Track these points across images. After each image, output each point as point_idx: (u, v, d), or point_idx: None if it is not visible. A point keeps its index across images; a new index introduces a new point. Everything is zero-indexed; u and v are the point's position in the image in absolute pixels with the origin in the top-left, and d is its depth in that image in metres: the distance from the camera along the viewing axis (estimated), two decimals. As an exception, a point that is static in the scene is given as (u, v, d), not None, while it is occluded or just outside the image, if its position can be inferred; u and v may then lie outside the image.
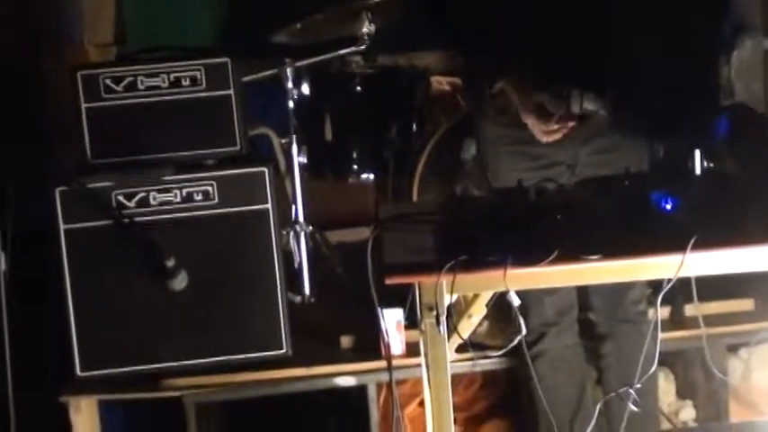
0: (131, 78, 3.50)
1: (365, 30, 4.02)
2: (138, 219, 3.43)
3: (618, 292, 3.39)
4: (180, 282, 3.42)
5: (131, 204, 3.46)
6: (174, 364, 3.49)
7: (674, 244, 2.49)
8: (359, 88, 4.06)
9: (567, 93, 3.03)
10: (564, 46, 3.03)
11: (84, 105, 3.49)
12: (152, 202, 3.47)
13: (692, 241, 2.46)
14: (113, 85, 3.50)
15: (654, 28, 3.00)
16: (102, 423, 3.66)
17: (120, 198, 3.46)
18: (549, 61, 3.07)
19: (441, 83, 4.35)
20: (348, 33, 4.06)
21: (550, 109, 3.08)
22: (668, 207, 2.61)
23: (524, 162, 3.23)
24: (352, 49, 4.03)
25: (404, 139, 4.08)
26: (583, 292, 3.45)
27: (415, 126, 4.11)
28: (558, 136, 3.14)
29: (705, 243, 2.49)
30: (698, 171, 2.81)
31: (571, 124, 3.10)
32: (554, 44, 3.03)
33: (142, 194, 3.46)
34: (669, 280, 2.59)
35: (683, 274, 2.55)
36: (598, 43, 3.01)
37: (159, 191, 3.47)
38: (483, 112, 3.35)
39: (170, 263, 3.38)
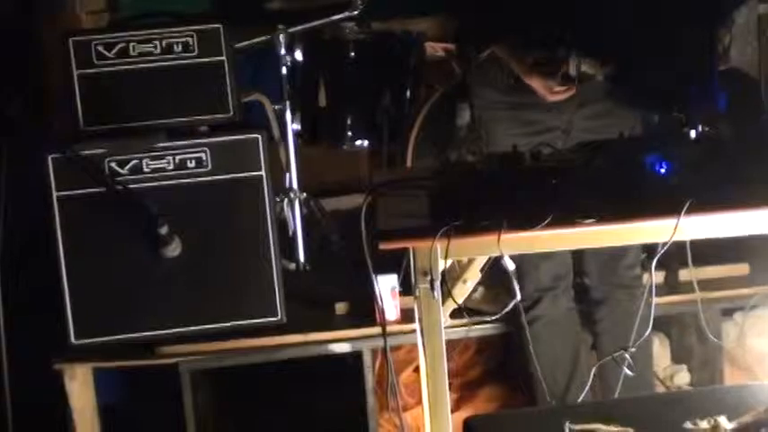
0: (123, 45, 3.48)
1: (357, -6, 4.00)
2: (131, 186, 3.42)
3: (612, 257, 3.39)
4: (173, 249, 3.41)
5: (124, 171, 3.45)
6: (169, 331, 3.49)
7: (669, 208, 2.48)
8: (352, 54, 4.03)
9: (566, 54, 3.02)
10: (560, 11, 3.02)
11: (76, 72, 3.47)
12: (145, 169, 3.46)
13: (687, 205, 2.45)
14: (105, 52, 3.48)
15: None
16: (97, 390, 3.65)
17: (113, 165, 3.44)
18: (546, 27, 3.06)
19: (434, 49, 4.33)
20: (342, -1, 4.04)
21: (549, 69, 3.07)
22: (663, 171, 2.60)
23: (519, 127, 3.23)
24: (346, 14, 4.01)
25: (398, 106, 4.06)
26: (578, 257, 3.46)
27: (409, 92, 4.09)
28: (562, 96, 3.13)
29: (699, 207, 2.48)
30: (692, 135, 2.81)
31: (573, 84, 3.09)
32: (550, 9, 3.02)
33: (135, 161, 3.45)
34: (664, 244, 2.59)
35: (678, 238, 2.54)
36: (594, 8, 2.99)
37: (152, 158, 3.46)
38: (477, 78, 3.33)
39: (163, 230, 3.37)
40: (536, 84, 3.12)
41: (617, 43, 3.01)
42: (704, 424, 2.53)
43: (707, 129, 3.06)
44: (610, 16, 2.98)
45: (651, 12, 2.97)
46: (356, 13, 4.02)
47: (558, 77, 3.08)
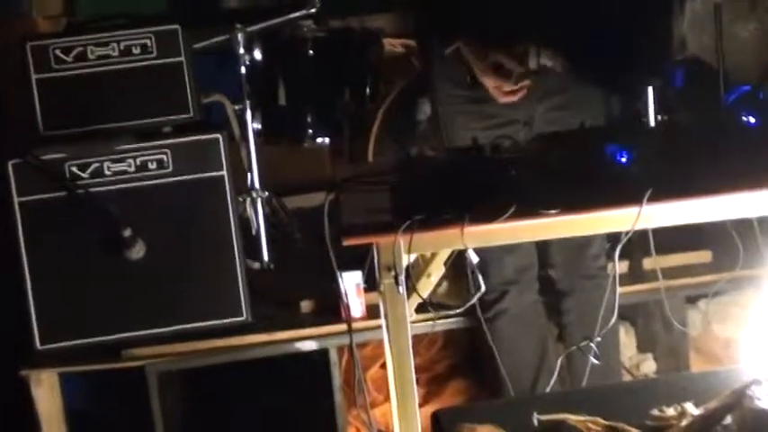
0: (81, 48, 3.46)
1: (316, -8, 4.00)
2: (92, 189, 3.40)
3: (577, 248, 3.41)
4: (137, 251, 3.40)
5: (85, 175, 3.43)
6: (135, 333, 3.48)
7: (630, 197, 2.50)
8: (311, 52, 4.02)
9: (524, 49, 3.03)
10: (517, 4, 3.03)
11: (34, 77, 3.45)
12: (106, 172, 3.44)
13: (648, 194, 2.47)
14: (63, 56, 3.46)
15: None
16: (63, 395, 3.63)
17: (74, 169, 3.42)
18: (504, 20, 3.07)
19: (393, 44, 4.33)
20: (299, -5, 4.03)
21: (508, 67, 3.08)
22: (623, 160, 2.61)
23: (480, 121, 3.23)
24: (303, 12, 3.99)
25: (358, 102, 4.06)
26: (542, 249, 3.47)
27: (368, 88, 4.08)
28: (515, 97, 3.14)
29: (661, 195, 2.50)
30: (652, 124, 2.83)
31: (527, 82, 3.10)
32: (508, 3, 3.03)
33: (96, 165, 3.43)
34: (626, 233, 2.60)
35: (640, 226, 2.56)
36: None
37: (113, 161, 3.44)
38: (438, 73, 3.34)
39: (126, 233, 3.36)
40: (490, 84, 3.13)
41: (572, 33, 3.02)
42: (671, 411, 2.55)
43: (666, 117, 3.09)
44: (566, 7, 2.99)
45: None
46: (314, 10, 4.01)
47: (513, 79, 3.09)
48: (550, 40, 3.05)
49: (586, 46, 3.05)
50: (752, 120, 2.65)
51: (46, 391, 3.58)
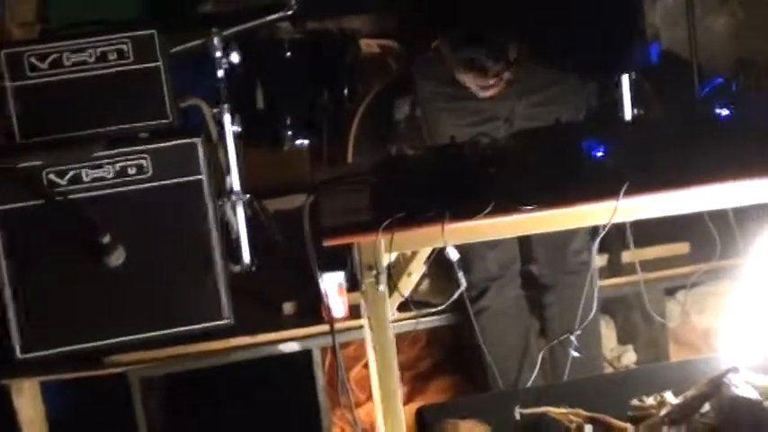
0: (56, 55, 3.45)
1: (292, -6, 4.00)
2: (71, 196, 3.40)
3: (559, 243, 3.42)
4: (117, 258, 3.40)
5: (63, 182, 3.42)
6: (116, 340, 3.47)
7: (607, 191, 2.52)
8: (288, 54, 4.03)
9: (500, 45, 3.05)
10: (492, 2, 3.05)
11: (9, 84, 3.44)
12: (85, 178, 3.43)
13: (624, 187, 2.49)
14: (38, 63, 3.45)
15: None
16: (45, 404, 3.63)
17: (52, 176, 3.42)
18: (479, 18, 3.08)
19: (370, 45, 4.35)
20: (275, -1, 4.04)
21: (485, 64, 3.10)
22: (599, 155, 2.64)
23: (462, 118, 3.25)
24: (280, 14, 4.00)
25: (336, 103, 4.07)
26: (525, 245, 3.48)
27: (346, 89, 4.10)
28: (495, 91, 3.16)
29: (637, 188, 2.52)
30: (627, 117, 2.85)
31: (506, 75, 3.12)
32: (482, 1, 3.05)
33: (74, 171, 3.43)
34: (604, 227, 2.62)
35: (617, 219, 2.58)
36: None
37: (91, 167, 3.43)
38: (420, 71, 3.36)
39: (106, 239, 3.36)
40: (467, 81, 3.15)
41: (547, 29, 3.04)
42: (650, 400, 2.58)
43: (641, 111, 3.11)
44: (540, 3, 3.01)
45: None
46: (290, 12, 4.02)
47: (490, 74, 3.11)
48: (525, 36, 3.07)
49: (562, 41, 3.07)
50: (725, 112, 2.67)
51: (28, 400, 3.57)
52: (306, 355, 3.61)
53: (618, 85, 2.94)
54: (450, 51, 3.17)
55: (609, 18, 3.07)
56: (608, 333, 3.93)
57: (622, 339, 3.98)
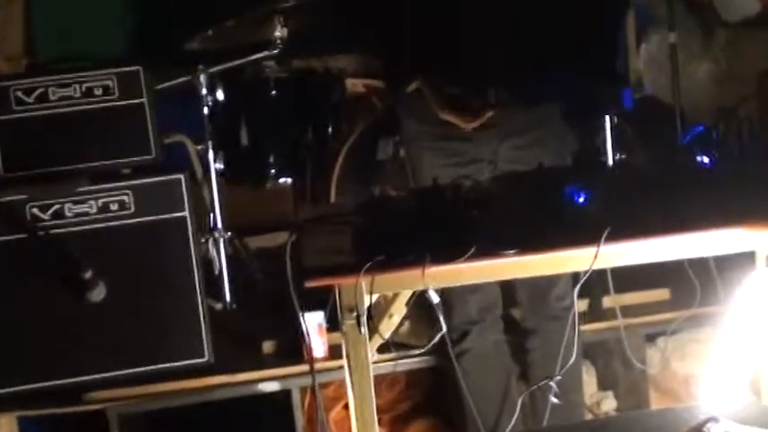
0: (42, 90, 3.46)
1: (278, 34, 4.02)
2: (53, 231, 3.39)
3: (542, 288, 3.42)
4: (98, 293, 3.39)
5: (46, 217, 3.42)
6: (96, 376, 3.46)
7: (588, 237, 2.53)
8: (274, 92, 4.05)
9: (482, 86, 3.06)
10: (474, 43, 3.06)
11: (-6, 118, 3.44)
12: (67, 213, 3.43)
13: (605, 233, 2.50)
14: (24, 97, 3.45)
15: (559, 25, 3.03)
16: (23, 440, 3.61)
17: (35, 211, 3.41)
18: (461, 58, 3.10)
19: (355, 84, 4.37)
20: (261, 38, 4.05)
21: (466, 102, 3.11)
22: (581, 200, 2.64)
23: (445, 158, 3.25)
24: (266, 53, 4.02)
25: (320, 142, 4.08)
26: (507, 289, 3.48)
27: (330, 128, 4.11)
28: (478, 122, 3.17)
29: (618, 235, 2.53)
30: (610, 163, 2.86)
31: (488, 113, 3.13)
32: (466, 42, 3.06)
33: (57, 206, 3.42)
34: (585, 272, 2.63)
35: (598, 266, 2.59)
36: (504, 38, 3.04)
37: (74, 202, 3.43)
38: (404, 110, 3.37)
39: (87, 274, 3.35)
40: (452, 119, 3.16)
41: (529, 72, 3.06)
42: (630, 448, 2.57)
43: (624, 156, 3.12)
44: (522, 45, 3.02)
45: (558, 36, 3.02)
46: (276, 51, 4.04)
47: (471, 112, 3.12)
48: (506, 79, 3.09)
49: (543, 85, 3.08)
50: (706, 160, 2.69)
51: (5, 436, 3.55)
52: (285, 394, 3.59)
53: (600, 129, 2.96)
54: (431, 91, 3.18)
55: (590, 62, 3.09)
56: (588, 379, 3.93)
57: (602, 385, 3.98)
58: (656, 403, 3.77)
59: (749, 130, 2.72)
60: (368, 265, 2.48)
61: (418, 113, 3.29)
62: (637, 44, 5.01)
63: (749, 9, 4.50)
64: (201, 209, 3.83)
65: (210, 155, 3.94)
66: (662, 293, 3.81)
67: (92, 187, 3.44)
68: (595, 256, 2.53)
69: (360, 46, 4.40)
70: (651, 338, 3.79)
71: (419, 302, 3.29)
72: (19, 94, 3.45)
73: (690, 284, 3.06)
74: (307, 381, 3.46)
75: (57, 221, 3.42)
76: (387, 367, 3.49)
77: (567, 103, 3.19)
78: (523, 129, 3.25)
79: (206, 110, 3.96)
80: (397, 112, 3.42)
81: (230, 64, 4.00)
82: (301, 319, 2.80)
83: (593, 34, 3.08)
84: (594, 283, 3.55)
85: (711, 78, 4.63)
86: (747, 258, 2.96)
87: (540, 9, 3.02)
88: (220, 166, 3.98)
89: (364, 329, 2.57)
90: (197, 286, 3.49)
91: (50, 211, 3.43)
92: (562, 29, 3.03)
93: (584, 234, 2.54)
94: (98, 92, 3.49)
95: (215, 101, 3.98)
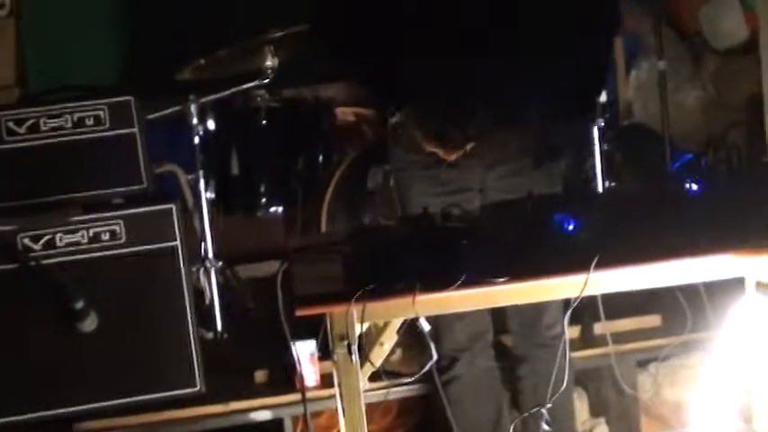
0: (34, 120, 3.47)
1: (268, 63, 4.04)
2: (45, 261, 3.39)
3: (532, 316, 3.42)
4: (90, 323, 3.39)
5: (38, 247, 3.42)
6: (88, 406, 3.45)
7: (578, 264, 2.54)
8: (264, 121, 4.07)
9: (465, 119, 3.07)
10: (455, 74, 3.07)
11: (-15, 148, 3.45)
12: (59, 243, 3.43)
13: (595, 260, 2.51)
14: (16, 128, 3.46)
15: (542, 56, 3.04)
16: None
17: (26, 241, 3.41)
18: (444, 90, 3.10)
19: (345, 113, 4.38)
20: (252, 67, 4.07)
21: (448, 134, 3.12)
22: (570, 228, 2.65)
23: (434, 187, 3.26)
24: (256, 82, 4.04)
25: (311, 171, 4.10)
26: (498, 316, 3.48)
27: (321, 157, 4.13)
28: (460, 152, 3.18)
29: (608, 261, 2.54)
30: (599, 190, 2.88)
31: (468, 146, 3.14)
32: (448, 74, 3.07)
33: (48, 236, 3.42)
34: (575, 299, 2.63)
35: (588, 292, 2.59)
36: (486, 69, 3.05)
37: (66, 232, 3.43)
38: (393, 139, 3.38)
39: (79, 304, 3.35)
40: (434, 149, 3.17)
41: (512, 101, 3.07)
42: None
43: (613, 183, 3.14)
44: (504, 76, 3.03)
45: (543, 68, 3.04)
46: (267, 80, 4.06)
47: (453, 143, 3.13)
48: (491, 107, 3.10)
49: (530, 114, 3.09)
50: (695, 187, 2.70)
51: (-5, 467, 3.54)
52: (277, 423, 3.59)
53: (590, 158, 2.98)
54: (414, 123, 3.20)
55: (576, 90, 3.10)
56: (580, 405, 3.92)
57: (594, 411, 3.98)
58: (647, 429, 3.78)
59: (738, 157, 2.74)
60: (359, 293, 2.49)
61: (405, 143, 3.29)
62: (626, 72, 5.05)
63: (737, 37, 4.54)
64: (193, 238, 3.84)
65: (201, 184, 3.95)
66: (653, 320, 3.82)
67: (83, 217, 3.45)
68: (585, 283, 2.54)
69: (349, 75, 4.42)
70: (642, 364, 3.80)
71: (411, 330, 3.29)
72: (10, 124, 3.46)
73: (681, 311, 3.07)
74: (299, 410, 3.45)
75: (48, 251, 3.42)
76: (378, 395, 3.48)
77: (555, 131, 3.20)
78: (510, 157, 3.26)
79: (197, 139, 3.97)
80: (386, 141, 3.43)
81: (221, 94, 4.02)
82: (293, 347, 2.80)
83: (577, 59, 3.08)
84: (586, 310, 3.56)
85: (701, 106, 4.66)
86: (737, 284, 2.98)
87: (520, 42, 3.03)
88: (211, 195, 3.99)
89: (355, 357, 2.57)
90: (188, 316, 3.49)
91: (42, 242, 3.43)
92: (545, 58, 3.04)
93: (575, 261, 2.55)
94: (89, 122, 3.49)
95: (206, 130, 4.00)
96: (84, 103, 3.49)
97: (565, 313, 2.78)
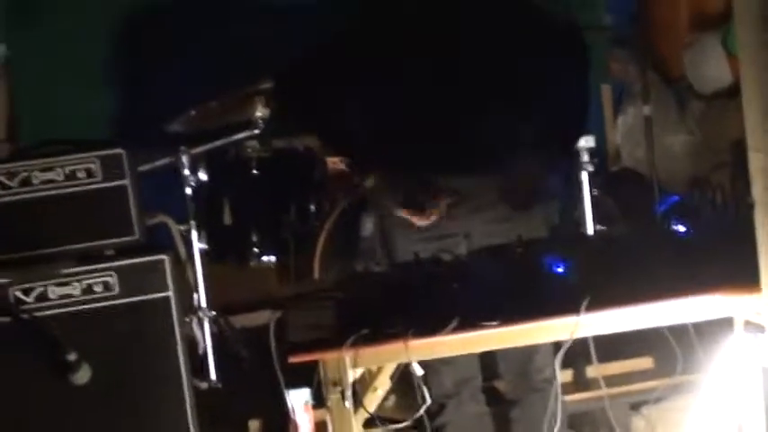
0: (25, 174, 3.47)
1: (259, 114, 4.07)
2: (37, 314, 3.39)
3: (523, 359, 3.42)
4: (82, 376, 3.37)
5: (30, 300, 3.41)
6: (80, 460, 3.44)
7: (569, 306, 2.55)
8: (256, 171, 4.09)
9: (434, 186, 3.10)
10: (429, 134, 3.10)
11: (-23, 204, 3.46)
12: (51, 296, 3.43)
13: (585, 302, 2.53)
14: (7, 182, 3.47)
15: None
16: None
17: (18, 294, 3.41)
18: (415, 154, 3.13)
19: (336, 162, 4.40)
20: (243, 118, 4.10)
21: (418, 203, 3.15)
22: (560, 271, 2.68)
23: (419, 233, 3.28)
24: (247, 133, 4.07)
25: (303, 220, 4.12)
26: (489, 360, 3.49)
27: (313, 206, 4.15)
28: (432, 218, 3.20)
29: (598, 303, 2.56)
30: (589, 233, 2.90)
31: (439, 213, 3.17)
32: (417, 133, 3.10)
33: (40, 289, 3.42)
34: (566, 342, 2.65)
35: (580, 334, 2.61)
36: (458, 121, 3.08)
37: (58, 284, 3.43)
38: (378, 189, 3.40)
39: (71, 357, 3.34)
40: (404, 215, 3.20)
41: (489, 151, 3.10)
42: None
43: (603, 227, 3.16)
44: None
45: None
46: (258, 131, 4.09)
47: (425, 210, 3.16)
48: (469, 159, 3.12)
49: (507, 160, 3.12)
50: (682, 228, 2.73)
51: None
52: (272, 473, 3.59)
53: (579, 202, 3.00)
54: (384, 190, 3.22)
55: (554, 131, 3.13)
56: (574, 449, 3.93)
57: (589, 455, 3.98)
58: (642, 473, 3.77)
59: (723, 198, 2.77)
60: (351, 338, 2.50)
61: (383, 199, 3.32)
62: (614, 117, 5.09)
63: (721, 81, 4.58)
64: (185, 288, 3.85)
65: (194, 234, 3.97)
66: (645, 362, 3.83)
67: (75, 269, 3.45)
68: (576, 325, 2.55)
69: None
70: (636, 407, 3.80)
71: (405, 376, 3.29)
72: (2, 178, 3.46)
73: (671, 352, 3.08)
74: (293, 458, 3.44)
75: (40, 304, 3.41)
76: (373, 442, 3.48)
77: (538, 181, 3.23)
78: (493, 203, 3.28)
79: (189, 190, 3.99)
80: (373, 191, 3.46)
81: (212, 144, 4.05)
82: (287, 396, 2.81)
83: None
84: (578, 354, 3.56)
85: (687, 149, 4.69)
86: (726, 324, 2.99)
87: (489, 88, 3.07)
88: (204, 245, 4.00)
89: (349, 403, 2.58)
90: (182, 367, 3.48)
91: (34, 294, 3.42)
92: (516, 102, 3.07)
93: (565, 304, 2.57)
94: (81, 175, 3.50)
95: (198, 181, 4.02)
96: (76, 156, 3.50)
97: (556, 356, 2.79)
